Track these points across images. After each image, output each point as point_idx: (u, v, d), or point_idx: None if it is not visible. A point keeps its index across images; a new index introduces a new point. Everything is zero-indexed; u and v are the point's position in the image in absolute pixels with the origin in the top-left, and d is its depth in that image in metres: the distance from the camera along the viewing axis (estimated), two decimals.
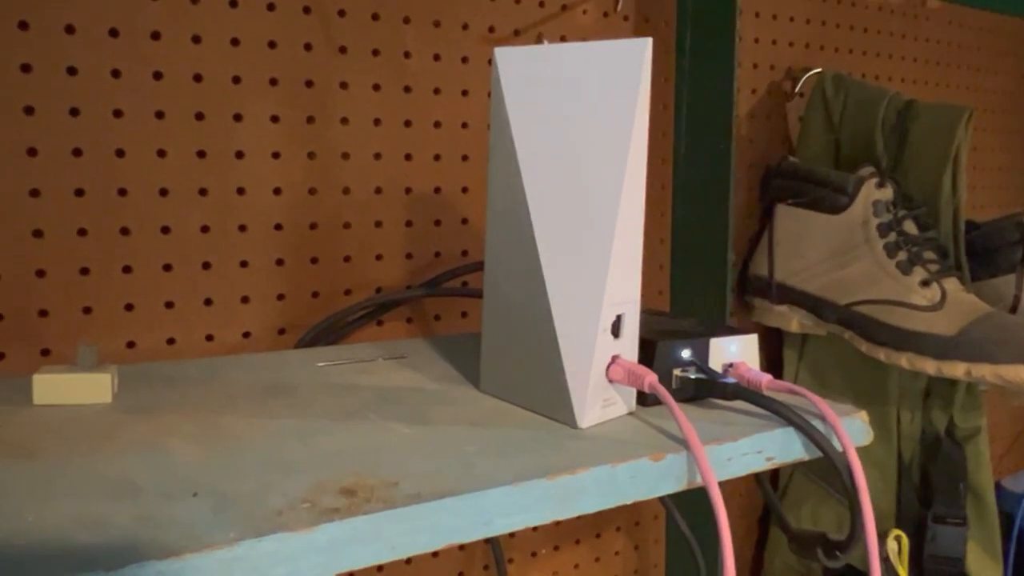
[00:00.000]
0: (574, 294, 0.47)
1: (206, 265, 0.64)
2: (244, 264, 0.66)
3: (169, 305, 0.63)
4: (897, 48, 1.07)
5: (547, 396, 0.48)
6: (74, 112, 0.58)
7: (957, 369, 0.75)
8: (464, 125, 0.74)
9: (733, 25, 0.80)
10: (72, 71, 0.58)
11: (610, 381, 0.47)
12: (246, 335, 0.67)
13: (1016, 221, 0.85)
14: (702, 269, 0.84)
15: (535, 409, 0.49)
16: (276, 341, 0.68)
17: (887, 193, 0.83)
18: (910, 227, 0.83)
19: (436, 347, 0.64)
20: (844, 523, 0.92)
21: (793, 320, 0.89)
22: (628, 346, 0.48)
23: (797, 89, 0.95)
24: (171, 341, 0.64)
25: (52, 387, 0.47)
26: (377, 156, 0.70)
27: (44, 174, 0.58)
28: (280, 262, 0.67)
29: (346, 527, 0.34)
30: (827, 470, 0.93)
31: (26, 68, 0.56)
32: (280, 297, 0.68)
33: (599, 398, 0.47)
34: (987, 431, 0.91)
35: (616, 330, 0.47)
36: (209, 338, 0.65)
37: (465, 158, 0.75)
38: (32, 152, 0.57)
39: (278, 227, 0.67)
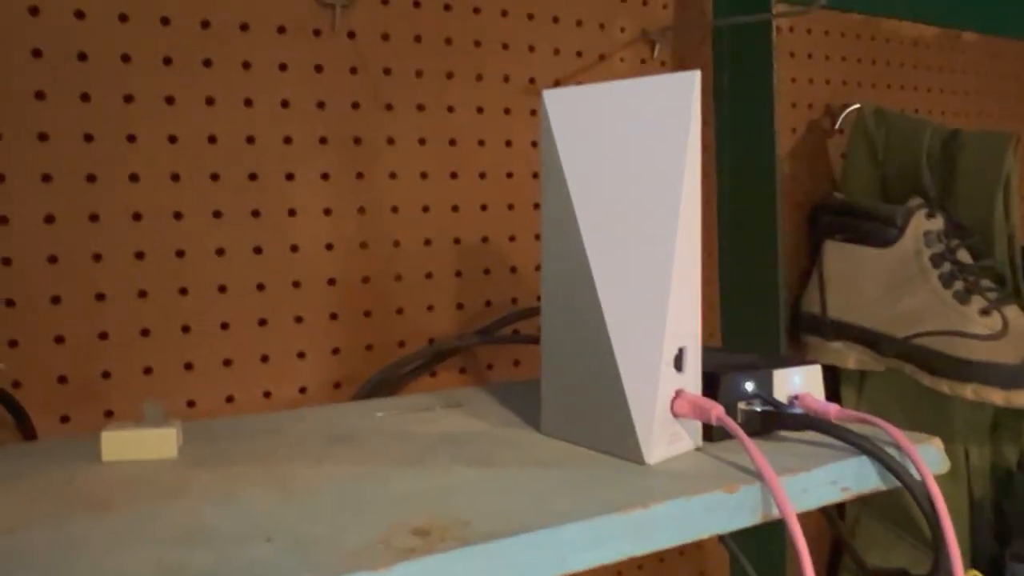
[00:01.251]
0: (635, 329, 0.46)
1: (262, 322, 0.65)
2: (299, 320, 0.67)
3: (227, 363, 0.64)
4: (935, 81, 1.07)
5: (612, 434, 0.47)
6: (134, 178, 0.60)
7: None
8: (509, 175, 0.75)
9: (770, 66, 0.81)
10: (131, 138, 0.60)
11: (675, 416, 0.47)
12: (302, 390, 0.67)
13: None
14: (753, 309, 0.83)
15: (600, 448, 0.48)
16: (332, 395, 0.68)
17: (937, 223, 0.82)
18: (964, 256, 0.82)
19: (492, 394, 0.64)
20: (916, 565, 0.89)
21: (850, 356, 0.87)
22: (692, 380, 0.47)
23: (837, 126, 0.95)
24: (230, 399, 0.64)
25: (120, 443, 0.47)
26: (425, 209, 0.71)
27: (106, 238, 0.59)
28: (334, 316, 0.68)
29: (422, 565, 0.33)
30: (896, 511, 0.90)
31: (88, 138, 0.58)
32: (335, 351, 0.68)
33: (665, 433, 0.46)
34: None
35: (679, 364, 0.46)
36: (267, 394, 0.66)
37: (511, 207, 0.76)
38: (94, 217, 0.59)
39: (331, 282, 0.68)
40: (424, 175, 0.71)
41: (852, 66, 0.99)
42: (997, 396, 0.74)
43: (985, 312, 0.78)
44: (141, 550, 0.35)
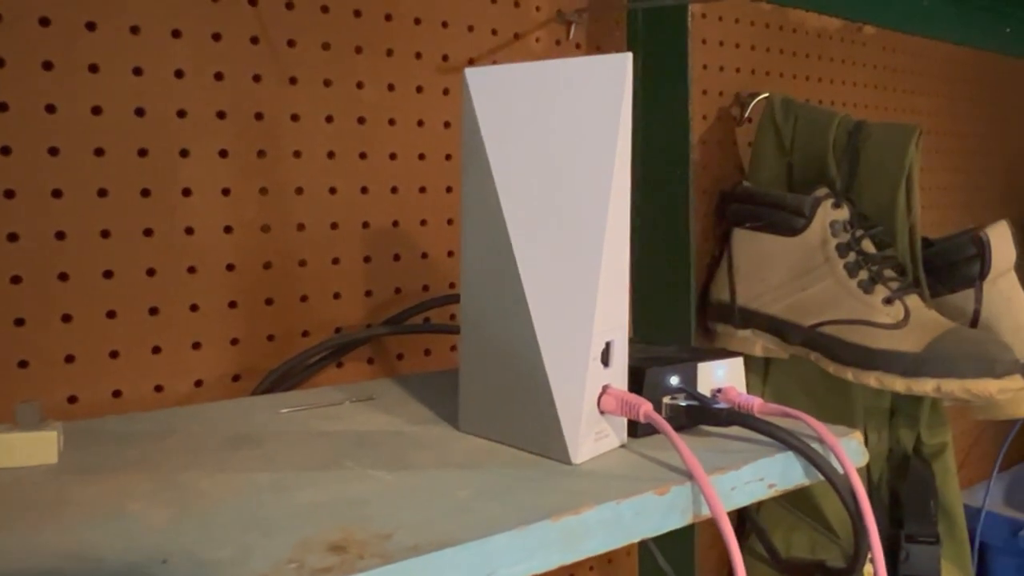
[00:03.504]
0: (561, 322, 0.44)
1: (153, 311, 0.60)
2: (194, 308, 0.62)
3: (114, 355, 0.59)
4: (838, 73, 1.09)
5: (536, 432, 0.45)
6: (5, 151, 0.54)
7: (926, 386, 0.75)
8: (421, 156, 0.72)
9: (685, 51, 0.80)
10: (3, 106, 0.54)
11: (602, 412, 0.45)
12: (198, 383, 0.62)
13: (972, 236, 0.86)
14: (664, 296, 0.82)
15: (523, 446, 0.46)
16: (231, 389, 0.64)
17: (843, 213, 0.83)
18: (868, 246, 0.83)
19: (404, 387, 0.61)
20: (818, 549, 0.91)
21: (757, 344, 0.88)
22: (619, 375, 0.46)
23: (746, 115, 0.95)
24: (117, 393, 0.59)
25: None
26: (332, 190, 0.67)
27: None
28: (233, 304, 0.63)
29: None
30: (798, 496, 0.91)
31: None
32: (234, 342, 0.63)
33: (592, 431, 0.44)
34: (952, 447, 0.91)
35: (606, 358, 0.45)
36: (159, 388, 0.61)
37: (423, 190, 0.72)
38: None
39: (230, 267, 0.63)
40: (331, 155, 0.67)
41: (761, 55, 0.99)
42: (899, 384, 0.76)
43: (888, 301, 0.79)
44: None
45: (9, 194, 0.54)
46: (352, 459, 0.44)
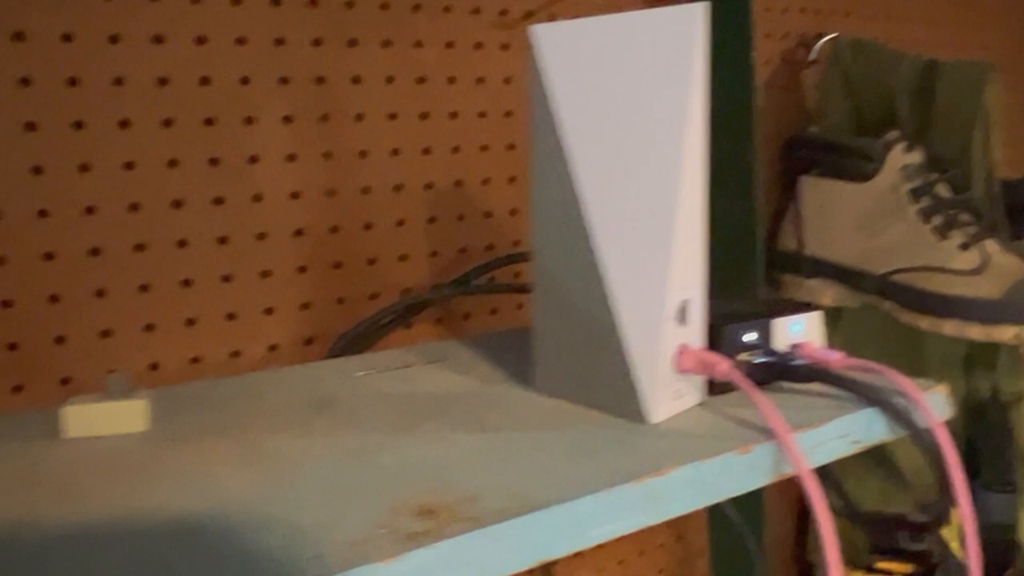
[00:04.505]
0: (636, 281, 0.44)
1: (226, 278, 0.61)
2: (266, 274, 0.63)
3: (191, 322, 0.60)
4: (907, 10, 1.05)
5: (613, 392, 0.45)
6: (78, 125, 0.55)
7: (1006, 333, 0.73)
8: (482, 114, 0.71)
9: None
10: (73, 81, 0.54)
11: (679, 371, 0.44)
12: (272, 348, 0.63)
13: None
14: (730, 247, 0.81)
15: (599, 406, 0.46)
16: (303, 352, 0.65)
17: (916, 157, 0.80)
18: (943, 190, 0.80)
19: (474, 347, 0.61)
20: (890, 499, 0.90)
21: (826, 294, 0.86)
22: (695, 333, 0.45)
23: (812, 57, 0.92)
24: (195, 360, 0.60)
25: (84, 418, 0.44)
26: (395, 152, 0.67)
27: (51, 193, 0.54)
28: (302, 269, 0.64)
29: (434, 553, 0.31)
30: None
31: (25, 81, 0.53)
32: (305, 306, 0.64)
33: (669, 390, 0.44)
34: None
35: (682, 317, 0.44)
36: (235, 354, 0.62)
37: (485, 148, 0.72)
38: (37, 170, 0.54)
39: (298, 232, 0.64)
40: (393, 116, 0.67)
41: None
42: (977, 332, 0.74)
43: (964, 247, 0.77)
44: (116, 547, 0.31)
45: (84, 168, 0.55)
46: (431, 421, 0.45)
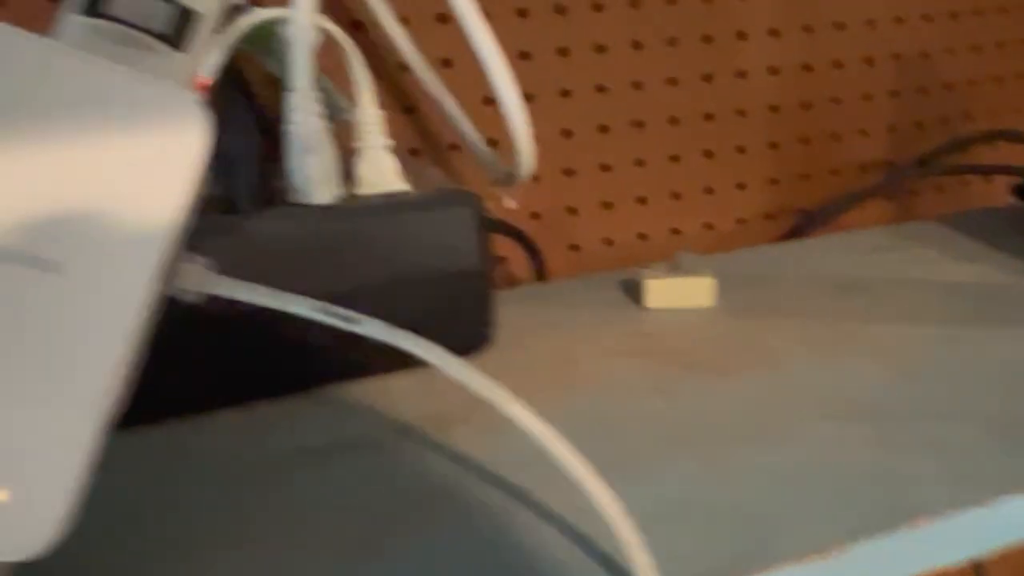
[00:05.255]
0: None
1: (707, 153, 0.63)
2: (741, 150, 0.64)
3: (675, 196, 0.63)
4: None
5: None
6: (596, 7, 0.58)
7: None
8: None
9: None
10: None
11: None
12: (740, 221, 0.66)
13: None
14: None
15: None
16: (766, 227, 0.67)
17: None
18: None
19: (955, 229, 0.60)
20: None
21: None
22: None
23: None
24: (675, 231, 0.64)
25: (663, 291, 0.48)
26: (869, 23, 0.65)
27: (574, 74, 0.58)
28: (774, 145, 0.65)
29: None
30: None
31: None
32: (772, 181, 0.66)
33: None
34: None
35: None
36: (708, 226, 0.65)
37: (954, 16, 0.68)
38: (563, 52, 0.58)
39: (773, 108, 0.64)
40: None
41: None
42: None
43: None
44: (823, 426, 0.35)
45: (600, 49, 0.58)
46: (990, 314, 0.45)
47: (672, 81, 0.61)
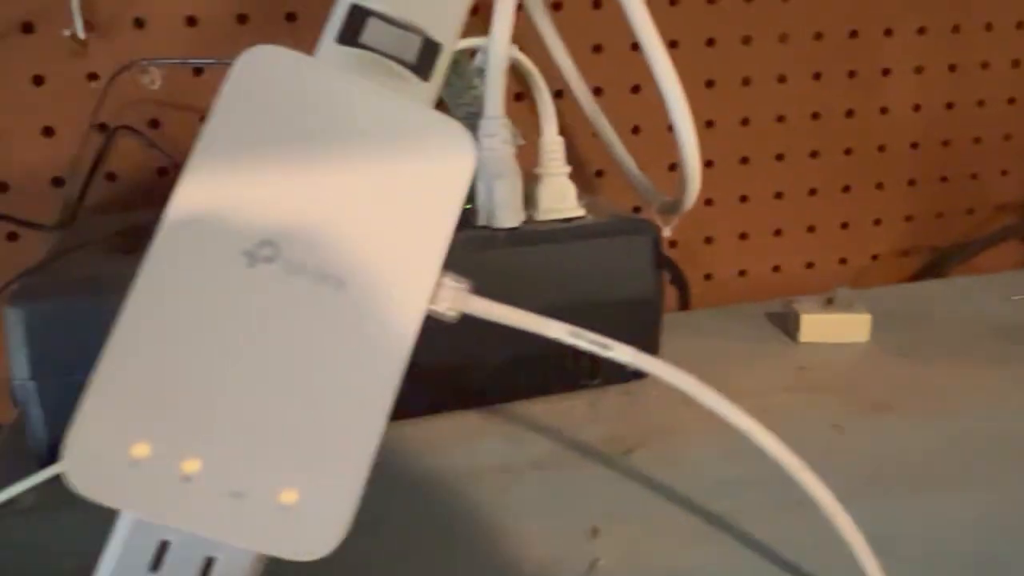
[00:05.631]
0: None
1: (846, 188, 0.63)
2: (879, 186, 0.64)
3: (811, 229, 0.63)
4: None
5: None
6: (746, 40, 0.58)
7: None
8: None
9: None
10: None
11: None
12: (874, 257, 0.65)
13: None
14: None
15: None
16: (900, 264, 0.66)
17: None
18: None
19: None
20: None
21: None
22: None
23: None
24: (809, 265, 0.64)
25: (819, 326, 0.48)
26: (1015, 63, 0.64)
27: (718, 104, 0.59)
28: (912, 182, 0.65)
29: None
30: None
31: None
32: (908, 219, 0.65)
33: None
34: None
35: None
36: (842, 261, 0.65)
37: None
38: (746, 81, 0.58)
39: (914, 145, 0.64)
40: (1020, 24, 0.64)
41: None
42: None
43: None
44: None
45: (746, 82, 0.59)
46: None
47: (815, 116, 0.61)
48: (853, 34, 0.60)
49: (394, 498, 0.33)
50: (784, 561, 0.29)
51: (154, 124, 0.50)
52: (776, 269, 0.63)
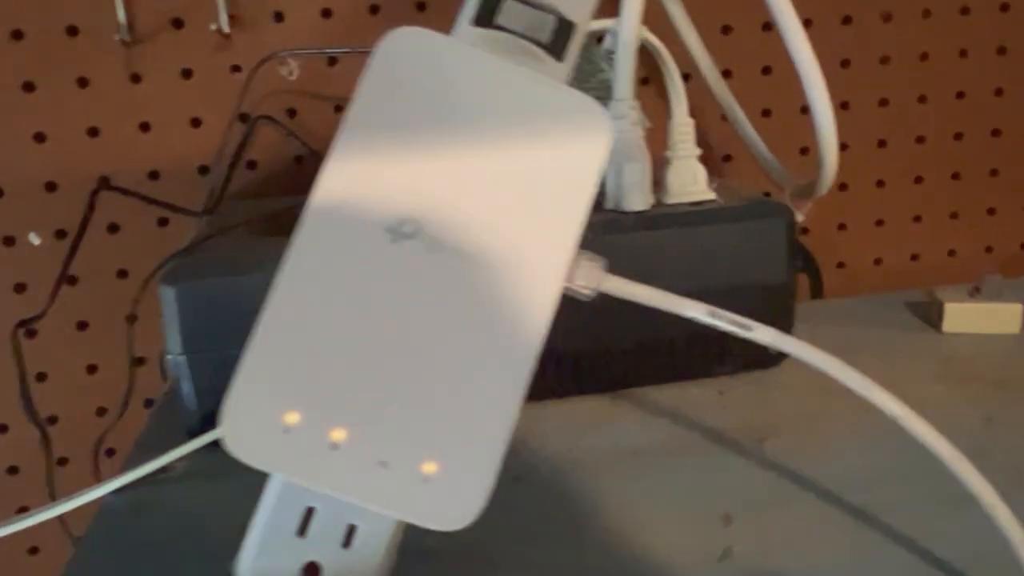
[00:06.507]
0: None
1: (993, 172, 0.60)
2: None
3: (954, 216, 0.60)
4: None
5: None
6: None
7: None
8: None
9: None
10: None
11: None
12: (951, 253, 0.61)
13: None
14: None
15: None
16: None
17: None
18: None
19: None
20: None
21: None
22: None
23: None
24: (951, 253, 0.61)
25: (965, 316, 0.46)
26: None
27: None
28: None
29: None
30: None
31: None
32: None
33: None
34: None
35: None
36: (988, 249, 0.61)
37: None
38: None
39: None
40: None
41: None
42: None
43: None
44: None
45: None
46: None
47: (960, 95, 0.58)
48: (1004, 8, 0.57)
49: (526, 479, 0.34)
50: (934, 557, 0.28)
51: (291, 113, 0.52)
52: (914, 258, 0.61)
